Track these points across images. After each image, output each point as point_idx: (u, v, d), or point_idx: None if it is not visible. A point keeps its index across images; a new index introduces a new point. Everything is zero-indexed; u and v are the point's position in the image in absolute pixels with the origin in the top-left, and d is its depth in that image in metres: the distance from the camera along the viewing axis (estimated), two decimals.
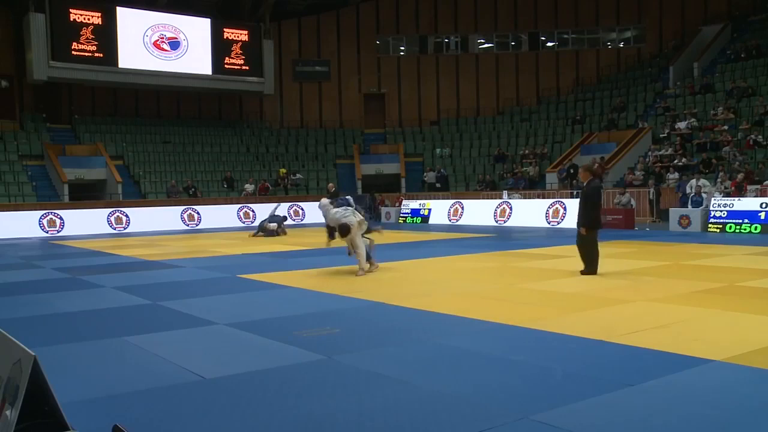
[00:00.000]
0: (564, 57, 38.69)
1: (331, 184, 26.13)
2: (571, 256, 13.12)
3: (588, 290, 8.97)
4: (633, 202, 22.39)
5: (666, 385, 4.70)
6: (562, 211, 22.64)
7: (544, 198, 25.08)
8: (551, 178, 29.01)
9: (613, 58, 38.43)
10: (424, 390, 4.75)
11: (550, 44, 39.24)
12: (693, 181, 21.71)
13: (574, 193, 24.70)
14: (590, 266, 10.46)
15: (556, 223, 22.57)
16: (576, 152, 30.28)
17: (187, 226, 27.08)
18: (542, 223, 22.89)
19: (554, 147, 32.83)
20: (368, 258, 11.26)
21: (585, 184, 10.93)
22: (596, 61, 38.39)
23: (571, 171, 27.66)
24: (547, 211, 23.09)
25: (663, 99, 31.90)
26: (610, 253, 13.64)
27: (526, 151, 32.85)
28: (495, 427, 4.00)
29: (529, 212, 23.78)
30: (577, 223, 10.94)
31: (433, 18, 39.07)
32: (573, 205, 22.66)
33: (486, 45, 39.72)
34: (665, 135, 28.68)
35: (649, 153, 27.79)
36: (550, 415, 4.13)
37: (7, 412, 3.75)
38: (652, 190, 23.80)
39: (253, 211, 28.59)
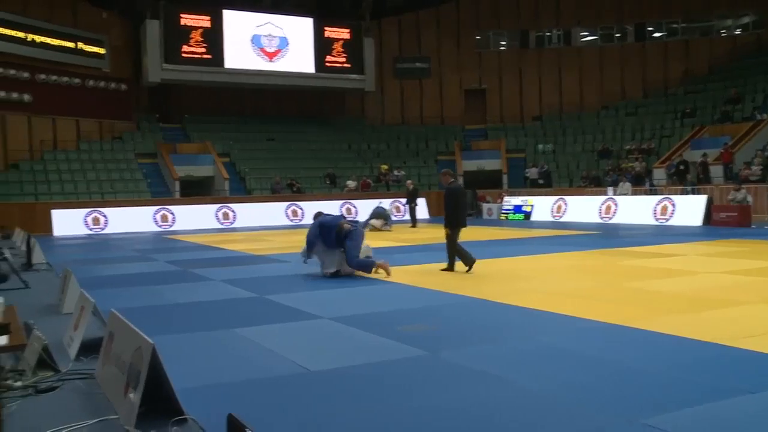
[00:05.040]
0: (673, 47, 37.12)
1: (409, 182, 26.28)
2: (680, 255, 12.64)
3: (699, 291, 8.58)
4: (749, 198, 21.23)
5: None
6: (671, 208, 21.79)
7: (651, 194, 24.20)
8: (658, 173, 27.93)
9: (728, 46, 36.50)
10: (526, 388, 4.69)
11: (657, 35, 37.76)
12: None
13: (689, 189, 23.65)
14: (450, 263, 11.00)
15: (664, 221, 21.74)
16: (686, 147, 29.02)
17: (291, 221, 27.74)
18: (649, 221, 22.10)
19: (662, 141, 31.58)
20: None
21: (446, 186, 11.38)
22: (708, 51, 36.53)
23: (681, 167, 26.54)
24: (655, 208, 22.28)
25: None
26: (723, 252, 13.03)
27: (632, 147, 31.76)
28: (603, 428, 3.91)
29: (635, 209, 23.01)
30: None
31: (534, 11, 38.38)
32: (682, 202, 21.80)
33: (589, 38, 38.69)
34: None
35: None
36: (663, 419, 3.98)
37: (131, 395, 3.98)
38: None
39: (355, 207, 28.98)
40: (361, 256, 10.81)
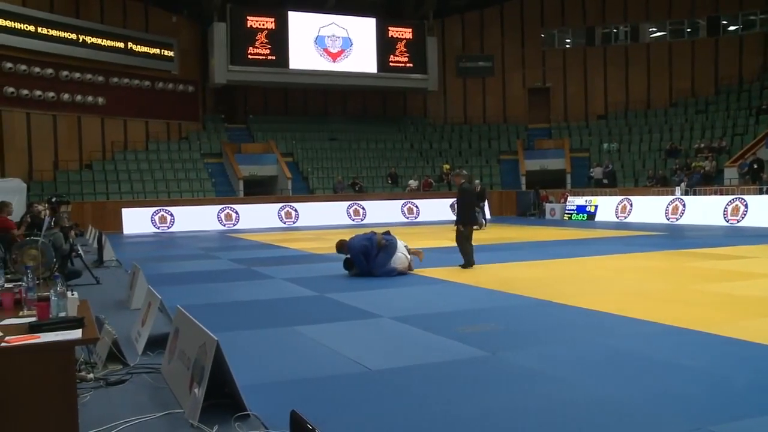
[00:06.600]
0: (749, 41, 35.64)
1: (477, 182, 26.04)
2: (753, 257, 12.21)
3: None
4: None
5: None
6: (742, 208, 21.07)
7: (721, 194, 23.44)
8: (730, 173, 26.99)
9: None
10: (589, 392, 4.60)
11: (732, 28, 36.41)
12: None
13: (764, 189, 22.80)
14: (467, 260, 11.52)
15: (735, 222, 21.04)
16: (760, 145, 27.92)
17: (353, 220, 27.90)
18: (719, 222, 21.42)
19: (734, 140, 30.52)
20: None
21: (458, 186, 12.14)
22: None
23: (755, 166, 25.60)
24: (725, 208, 21.58)
25: None
26: None
27: (701, 145, 30.80)
28: None
29: (704, 209, 22.33)
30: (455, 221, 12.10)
31: (600, 7, 37.60)
32: (756, 203, 21.04)
33: (658, 33, 37.66)
34: None
35: None
36: (731, 427, 3.86)
37: (195, 390, 4.08)
38: None
39: (416, 206, 28.99)
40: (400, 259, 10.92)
